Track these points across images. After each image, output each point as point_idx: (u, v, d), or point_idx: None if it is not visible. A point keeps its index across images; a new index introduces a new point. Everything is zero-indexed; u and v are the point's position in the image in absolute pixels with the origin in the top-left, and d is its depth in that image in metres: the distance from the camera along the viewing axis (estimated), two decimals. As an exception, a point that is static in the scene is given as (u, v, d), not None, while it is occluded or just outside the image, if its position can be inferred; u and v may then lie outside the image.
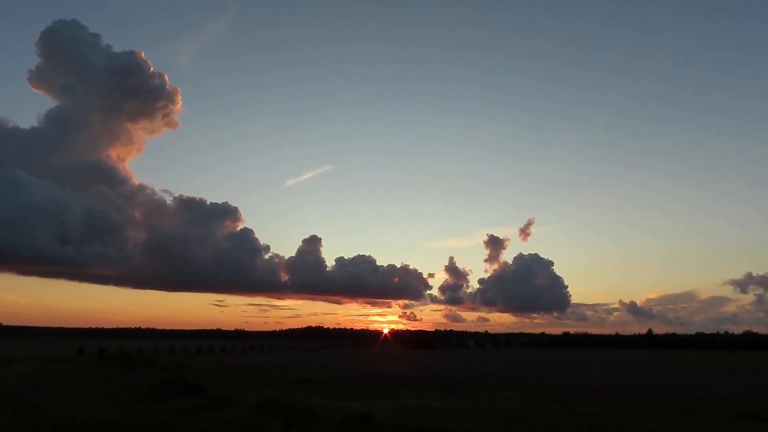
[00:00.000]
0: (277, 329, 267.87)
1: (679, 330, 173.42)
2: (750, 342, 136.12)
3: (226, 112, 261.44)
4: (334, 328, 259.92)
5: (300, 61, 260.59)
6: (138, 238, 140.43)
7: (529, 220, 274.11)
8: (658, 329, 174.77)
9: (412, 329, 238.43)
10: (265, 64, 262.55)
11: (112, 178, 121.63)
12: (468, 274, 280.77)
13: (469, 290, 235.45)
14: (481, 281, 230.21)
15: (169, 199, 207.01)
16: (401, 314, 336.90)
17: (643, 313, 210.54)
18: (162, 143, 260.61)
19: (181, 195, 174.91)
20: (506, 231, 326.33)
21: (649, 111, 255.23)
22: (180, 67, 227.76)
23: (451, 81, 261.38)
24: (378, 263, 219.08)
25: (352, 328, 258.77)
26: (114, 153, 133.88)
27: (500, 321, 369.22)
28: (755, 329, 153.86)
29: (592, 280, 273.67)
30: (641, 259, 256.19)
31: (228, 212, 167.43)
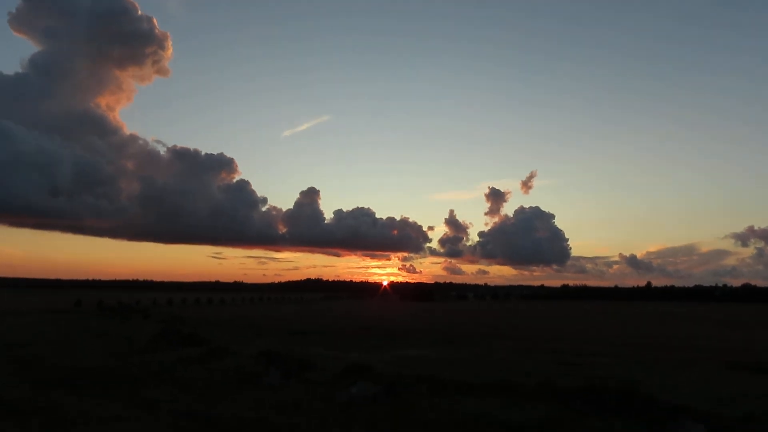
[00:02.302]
0: (276, 281, 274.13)
1: (678, 283, 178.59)
2: (747, 294, 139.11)
3: (219, 59, 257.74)
4: (333, 280, 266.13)
5: (298, 3, 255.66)
6: (131, 190, 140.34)
7: (532, 172, 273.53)
8: (658, 282, 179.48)
9: (412, 281, 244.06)
10: (260, 7, 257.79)
11: (102, 127, 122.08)
12: (468, 227, 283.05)
13: (469, 243, 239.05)
14: (481, 234, 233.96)
15: (162, 150, 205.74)
16: (401, 267, 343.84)
17: (643, 266, 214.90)
18: (153, 91, 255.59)
19: (174, 146, 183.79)
20: (508, 184, 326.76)
21: (653, 59, 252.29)
22: (169, 11, 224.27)
23: (452, 29, 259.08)
24: (377, 216, 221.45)
25: (351, 281, 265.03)
26: (103, 101, 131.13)
27: (500, 274, 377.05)
28: (754, 282, 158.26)
29: (593, 233, 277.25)
30: (642, 213, 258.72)
31: (223, 164, 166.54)
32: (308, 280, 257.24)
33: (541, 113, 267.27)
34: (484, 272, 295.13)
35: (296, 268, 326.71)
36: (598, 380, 11.63)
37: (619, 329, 35.60)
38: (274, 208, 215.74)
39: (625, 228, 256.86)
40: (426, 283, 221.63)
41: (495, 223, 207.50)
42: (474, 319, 48.55)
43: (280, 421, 8.42)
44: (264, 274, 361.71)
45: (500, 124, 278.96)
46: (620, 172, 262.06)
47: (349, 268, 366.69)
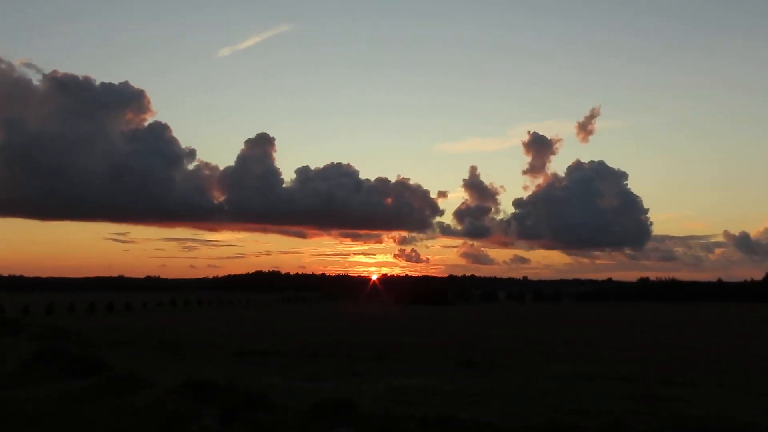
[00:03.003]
0: (211, 276, 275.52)
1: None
2: None
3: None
4: (298, 273, 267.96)
5: None
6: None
7: (593, 111, 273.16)
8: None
9: (415, 274, 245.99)
10: None
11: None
12: (498, 193, 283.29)
13: (500, 217, 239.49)
14: (517, 203, 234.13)
15: (35, 78, 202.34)
16: (397, 253, 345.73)
17: (760, 249, 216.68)
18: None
19: (54, 71, 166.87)
20: (557, 128, 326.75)
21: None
22: None
23: None
24: (361, 176, 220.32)
25: (323, 274, 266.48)
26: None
27: (546, 262, 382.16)
28: None
29: (684, 201, 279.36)
30: (755, 172, 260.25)
31: (129, 98, 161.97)
32: (259, 273, 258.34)
33: (604, 26, 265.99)
34: (523, 260, 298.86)
35: (241, 256, 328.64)
36: (696, 423, 11.83)
37: (725, 343, 36.00)
38: (207, 165, 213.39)
39: (729, 194, 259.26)
40: (436, 278, 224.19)
41: (538, 186, 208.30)
42: (507, 330, 48.81)
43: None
44: (192, 266, 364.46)
45: (542, 42, 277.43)
46: (725, 111, 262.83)
47: (320, 255, 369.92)
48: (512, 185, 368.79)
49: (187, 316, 67.69)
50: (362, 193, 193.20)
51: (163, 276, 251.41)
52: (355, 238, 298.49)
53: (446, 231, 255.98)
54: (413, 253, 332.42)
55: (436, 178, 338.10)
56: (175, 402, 13.63)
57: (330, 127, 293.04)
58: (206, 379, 15.54)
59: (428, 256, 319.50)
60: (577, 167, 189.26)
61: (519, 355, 29.37)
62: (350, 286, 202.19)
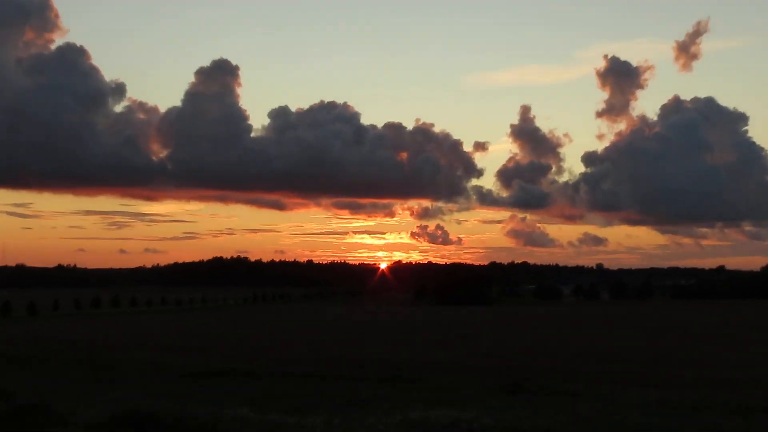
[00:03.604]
0: (149, 264, 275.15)
1: None
2: None
3: None
4: (274, 261, 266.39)
5: None
6: None
7: (698, 25, 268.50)
8: None
9: (441, 262, 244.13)
10: None
11: None
12: (561, 144, 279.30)
13: (564, 178, 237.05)
14: (589, 159, 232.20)
15: None
16: (416, 231, 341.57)
17: None
18: None
19: None
20: (645, 50, 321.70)
21: None
22: None
23: None
24: (364, 121, 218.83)
25: (310, 262, 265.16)
26: None
27: (630, 243, 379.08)
28: None
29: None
30: None
31: (28, 10, 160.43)
32: (218, 261, 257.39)
33: None
34: (597, 241, 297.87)
35: (192, 237, 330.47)
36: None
37: None
38: (141, 106, 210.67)
39: None
40: (471, 266, 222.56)
41: (619, 134, 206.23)
42: (573, 340, 49.76)
43: None
44: (122, 251, 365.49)
45: None
46: None
47: (305, 233, 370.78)
48: (581, 133, 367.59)
49: (116, 323, 68.17)
50: (365, 146, 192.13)
51: (81, 265, 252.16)
52: (356, 209, 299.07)
53: (486, 199, 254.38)
54: (439, 232, 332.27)
55: (470, 123, 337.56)
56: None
57: (319, 51, 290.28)
58: (144, 412, 15.58)
59: (460, 236, 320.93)
60: (675, 107, 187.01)
61: (588, 376, 29.48)
62: (349, 278, 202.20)
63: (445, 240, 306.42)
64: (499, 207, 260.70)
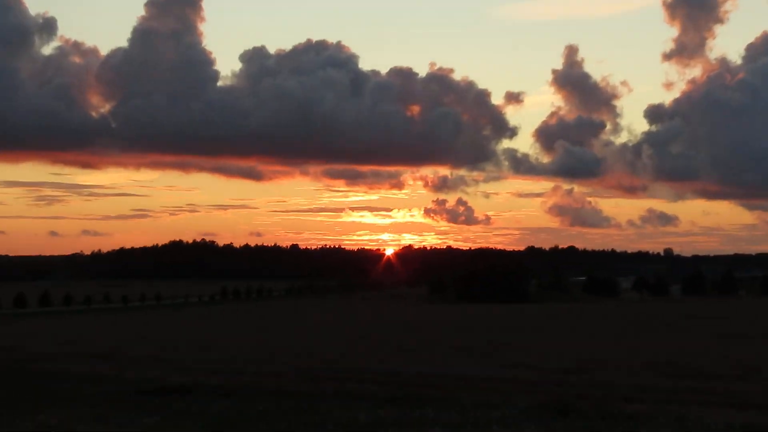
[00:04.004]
0: (87, 251, 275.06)
1: None
2: None
3: None
4: (247, 246, 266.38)
5: None
6: None
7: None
8: None
9: (464, 247, 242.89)
10: None
11: None
12: (618, 95, 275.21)
13: (622, 139, 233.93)
14: (654, 114, 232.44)
15: None
16: (432, 206, 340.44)
17: None
18: None
19: None
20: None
21: None
22: None
23: None
24: (363, 65, 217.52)
25: (294, 247, 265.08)
26: None
27: (707, 223, 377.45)
28: None
29: None
30: None
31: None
32: (177, 246, 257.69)
33: None
34: (665, 220, 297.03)
35: (142, 214, 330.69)
36: None
37: None
38: (76, 46, 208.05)
39: None
40: (503, 252, 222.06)
41: (691, 82, 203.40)
42: (638, 349, 48.46)
43: None
44: (53, 232, 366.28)
45: None
46: None
47: (288, 212, 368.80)
48: (643, 81, 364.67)
49: (45, 325, 67.87)
50: (365, 98, 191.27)
51: (0, 252, 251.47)
52: (353, 179, 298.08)
53: (521, 166, 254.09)
54: (461, 209, 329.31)
55: (501, 68, 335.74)
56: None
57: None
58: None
59: (489, 213, 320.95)
60: (764, 46, 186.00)
61: (656, 393, 29.11)
62: (345, 268, 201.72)
63: (469, 219, 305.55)
64: (538, 176, 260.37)
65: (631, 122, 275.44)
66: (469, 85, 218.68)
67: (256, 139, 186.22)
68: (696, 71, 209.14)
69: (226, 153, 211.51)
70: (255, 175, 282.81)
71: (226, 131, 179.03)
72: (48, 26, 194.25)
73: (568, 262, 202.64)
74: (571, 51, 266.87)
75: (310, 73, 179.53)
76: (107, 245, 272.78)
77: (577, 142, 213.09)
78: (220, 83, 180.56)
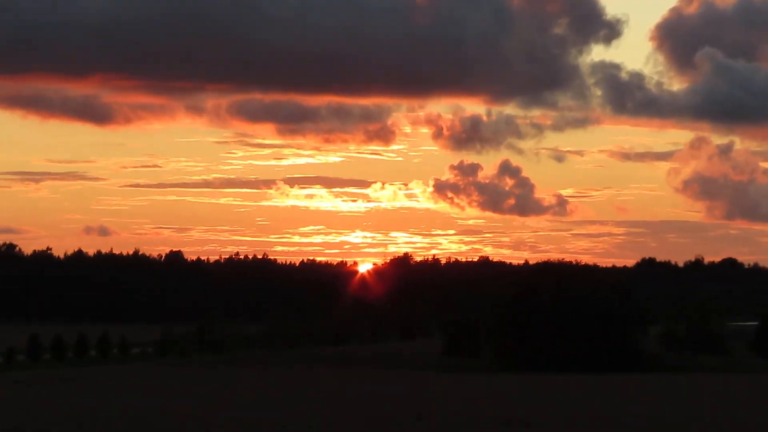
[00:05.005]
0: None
1: None
2: None
3: None
4: (82, 254, 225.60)
5: None
6: None
7: None
8: None
9: (514, 259, 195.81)
10: None
11: None
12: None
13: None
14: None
15: None
16: (450, 177, 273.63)
17: None
18: None
19: None
20: None
21: None
22: None
23: None
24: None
25: (175, 255, 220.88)
26: None
27: None
28: None
29: None
30: None
31: None
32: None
33: None
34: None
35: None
36: None
37: None
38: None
39: None
40: (592, 269, 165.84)
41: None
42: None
43: None
44: None
45: None
46: None
47: (161, 187, 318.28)
48: None
49: None
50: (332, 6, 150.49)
51: None
52: (294, 122, 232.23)
53: (630, 100, 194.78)
54: (508, 182, 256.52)
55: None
56: None
57: None
58: None
59: (564, 192, 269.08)
60: None
61: None
62: (271, 299, 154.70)
63: (525, 203, 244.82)
64: (663, 118, 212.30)
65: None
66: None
67: (95, 39, 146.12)
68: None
69: (37, 68, 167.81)
70: (94, 114, 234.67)
71: (41, 24, 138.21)
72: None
73: (721, 289, 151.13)
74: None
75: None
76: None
77: (739, 52, 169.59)
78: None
